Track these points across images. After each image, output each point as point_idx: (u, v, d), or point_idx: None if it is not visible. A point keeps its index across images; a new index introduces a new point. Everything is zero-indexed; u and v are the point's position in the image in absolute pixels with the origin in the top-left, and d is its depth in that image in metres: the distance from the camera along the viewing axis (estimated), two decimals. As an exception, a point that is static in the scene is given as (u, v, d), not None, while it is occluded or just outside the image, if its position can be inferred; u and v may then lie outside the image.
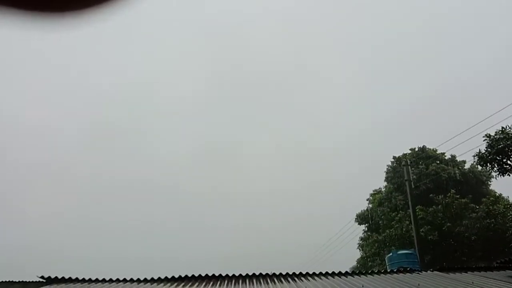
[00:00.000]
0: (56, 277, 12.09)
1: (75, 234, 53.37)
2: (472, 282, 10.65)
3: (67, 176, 60.48)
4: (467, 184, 28.42)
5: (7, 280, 14.63)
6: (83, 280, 11.95)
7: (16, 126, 61.85)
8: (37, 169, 60.04)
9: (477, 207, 25.65)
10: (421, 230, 24.17)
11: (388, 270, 14.17)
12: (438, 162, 29.98)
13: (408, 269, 13.49)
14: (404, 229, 26.87)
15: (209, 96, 77.47)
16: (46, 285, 11.63)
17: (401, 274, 12.70)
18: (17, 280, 14.53)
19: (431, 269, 13.46)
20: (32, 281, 13.66)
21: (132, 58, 78.68)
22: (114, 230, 57.33)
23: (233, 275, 12.14)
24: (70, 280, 11.94)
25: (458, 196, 26.03)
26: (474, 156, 18.87)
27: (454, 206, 25.68)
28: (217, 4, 75.82)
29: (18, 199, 55.19)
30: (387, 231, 28.46)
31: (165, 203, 63.11)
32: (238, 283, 11.39)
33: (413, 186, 23.97)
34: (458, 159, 29.61)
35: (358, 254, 33.59)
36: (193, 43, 75.48)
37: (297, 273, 12.49)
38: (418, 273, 12.80)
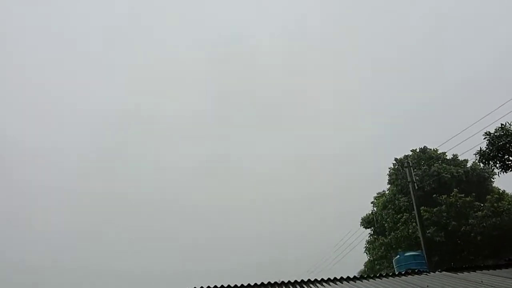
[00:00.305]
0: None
1: (85, 250, 53.11)
2: (482, 281, 10.64)
3: (74, 196, 60.46)
4: (470, 182, 28.38)
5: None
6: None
7: (32, 151, 62.46)
8: (48, 190, 60.14)
9: (482, 205, 25.60)
10: (427, 231, 24.12)
11: (396, 273, 14.15)
12: (440, 162, 29.99)
13: (416, 270, 13.46)
14: (410, 230, 26.81)
15: (209, 112, 77.60)
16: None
17: (409, 276, 12.68)
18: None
19: (439, 270, 13.43)
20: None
21: (134, 78, 79.16)
22: (130, 245, 56.86)
23: (242, 285, 12.14)
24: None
25: (462, 195, 25.99)
26: (475, 154, 18.93)
27: (458, 205, 25.64)
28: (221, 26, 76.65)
29: (33, 218, 55.13)
30: (393, 233, 28.40)
31: (172, 218, 62.93)
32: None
33: (416, 187, 23.96)
34: (460, 158, 29.64)
35: (365, 258, 33.48)
36: (196, 62, 76.20)
37: (305, 280, 12.49)
38: (426, 274, 12.79)
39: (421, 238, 22.17)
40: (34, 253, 47.98)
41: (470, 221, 24.72)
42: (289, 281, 12.31)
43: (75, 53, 73.91)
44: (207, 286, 12.00)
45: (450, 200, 25.98)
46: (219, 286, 12.08)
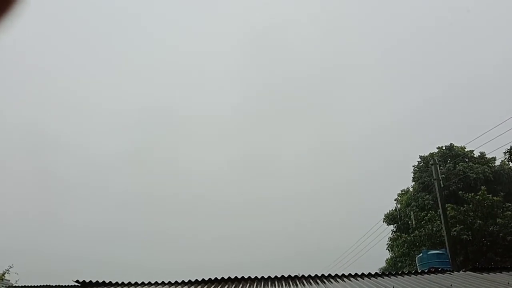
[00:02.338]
0: (90, 281, 12.42)
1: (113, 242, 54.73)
2: (508, 283, 10.36)
3: (107, 191, 62.30)
4: (498, 182, 27.63)
5: (46, 285, 15.22)
6: (116, 284, 12.25)
7: (67, 149, 64.21)
8: (81, 186, 62.15)
9: (511, 205, 24.88)
10: (453, 229, 23.66)
11: (419, 271, 13.94)
12: (466, 160, 29.29)
13: (439, 269, 13.23)
14: (434, 229, 26.33)
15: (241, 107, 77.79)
16: (81, 289, 11.96)
17: (432, 274, 12.46)
18: (54, 285, 15.11)
19: (464, 269, 13.16)
20: (68, 285, 14.15)
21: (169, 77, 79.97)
22: (159, 239, 58.29)
23: (262, 277, 12.22)
24: (104, 284, 12.25)
25: (490, 196, 25.30)
26: (505, 152, 18.40)
27: (486, 204, 24.98)
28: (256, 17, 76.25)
29: (63, 212, 56.92)
30: (417, 231, 27.96)
31: (204, 215, 64.16)
32: (268, 285, 11.46)
33: (442, 186, 23.48)
34: (488, 156, 28.86)
35: (386, 255, 33.13)
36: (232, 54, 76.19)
37: (326, 274, 12.46)
38: (450, 274, 12.54)
39: (445, 237, 21.74)
40: (67, 245, 49.64)
41: (498, 221, 24.07)
42: (309, 275, 12.31)
43: (107, 53, 75.08)
44: (234, 276, 12.16)
45: (477, 198, 25.33)
46: (239, 277, 12.21)
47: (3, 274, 11.91)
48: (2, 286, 12.92)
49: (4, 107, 58.69)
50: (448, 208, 24.30)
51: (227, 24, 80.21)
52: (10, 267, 11.94)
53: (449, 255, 19.55)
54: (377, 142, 70.27)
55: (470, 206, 25.29)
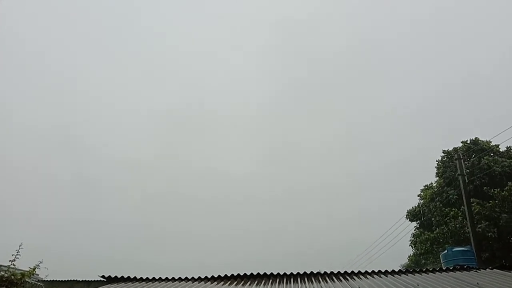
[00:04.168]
0: (116, 276, 12.71)
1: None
2: (537, 281, 10.10)
3: (139, 192, 63.46)
4: (525, 176, 26.87)
5: (72, 279, 15.67)
6: (141, 279, 12.50)
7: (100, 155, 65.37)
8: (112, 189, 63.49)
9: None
10: (478, 226, 23.15)
11: (444, 268, 13.71)
12: (492, 154, 28.55)
13: (465, 266, 12.98)
14: (458, 225, 25.83)
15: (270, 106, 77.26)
16: (107, 284, 12.25)
17: (457, 272, 12.24)
18: (80, 279, 15.53)
19: (490, 267, 12.87)
20: (94, 280, 14.49)
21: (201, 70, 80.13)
22: (188, 239, 59.23)
23: (284, 273, 12.25)
24: (129, 279, 12.52)
25: None
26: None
27: (512, 200, 24.35)
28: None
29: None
30: (440, 228, 27.48)
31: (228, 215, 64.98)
32: (290, 282, 11.48)
33: (467, 181, 22.99)
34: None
35: (407, 252, 32.72)
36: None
37: (349, 271, 12.40)
38: (476, 271, 12.30)
39: (470, 233, 21.30)
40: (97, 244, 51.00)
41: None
42: (331, 272, 12.26)
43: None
44: (256, 273, 12.25)
45: (503, 194, 24.69)
46: (261, 273, 12.27)
47: (34, 269, 12.35)
48: (32, 280, 13.39)
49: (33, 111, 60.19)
50: (473, 204, 23.78)
51: (252, 22, 79.84)
52: (40, 262, 12.37)
53: (474, 252, 19.14)
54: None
55: (496, 201, 24.68)
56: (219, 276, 12.30)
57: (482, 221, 24.17)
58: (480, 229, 23.30)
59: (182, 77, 79.46)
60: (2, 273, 11.73)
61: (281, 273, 12.27)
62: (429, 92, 67.34)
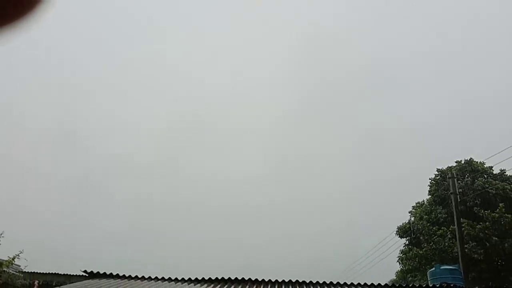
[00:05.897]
0: (98, 272, 12.49)
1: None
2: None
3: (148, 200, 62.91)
4: (517, 200, 26.87)
5: (53, 272, 15.40)
6: (123, 277, 12.28)
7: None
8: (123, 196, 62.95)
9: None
10: (465, 246, 23.07)
11: (430, 285, 13.59)
12: (485, 176, 28.57)
13: (451, 285, 12.88)
14: (446, 244, 25.73)
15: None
16: (88, 279, 12.04)
17: (444, 290, 12.13)
18: (62, 273, 15.27)
19: (477, 287, 12.75)
20: (76, 275, 14.25)
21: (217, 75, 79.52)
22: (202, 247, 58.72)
23: (276, 280, 12.13)
24: (110, 275, 12.30)
25: (509, 216, 24.57)
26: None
27: (503, 222, 24.30)
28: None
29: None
30: (428, 245, 27.37)
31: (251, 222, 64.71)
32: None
33: (458, 200, 22.92)
34: (508, 173, 28.11)
35: (396, 268, 32.56)
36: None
37: (334, 282, 12.24)
38: (463, 291, 12.19)
39: (459, 253, 21.18)
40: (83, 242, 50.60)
41: (514, 240, 23.43)
42: (317, 282, 12.11)
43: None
44: (250, 278, 12.08)
45: (493, 215, 24.65)
46: (253, 279, 12.09)
47: (13, 258, 12.10)
48: (11, 270, 13.13)
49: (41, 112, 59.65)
50: (463, 224, 23.71)
51: (276, 28, 79.07)
52: (20, 252, 12.15)
53: (461, 271, 19.03)
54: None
55: (487, 224, 24.64)
56: (203, 278, 12.11)
57: (470, 242, 24.11)
58: (466, 249, 23.22)
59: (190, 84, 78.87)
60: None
61: (273, 280, 12.14)
62: (442, 111, 66.65)
